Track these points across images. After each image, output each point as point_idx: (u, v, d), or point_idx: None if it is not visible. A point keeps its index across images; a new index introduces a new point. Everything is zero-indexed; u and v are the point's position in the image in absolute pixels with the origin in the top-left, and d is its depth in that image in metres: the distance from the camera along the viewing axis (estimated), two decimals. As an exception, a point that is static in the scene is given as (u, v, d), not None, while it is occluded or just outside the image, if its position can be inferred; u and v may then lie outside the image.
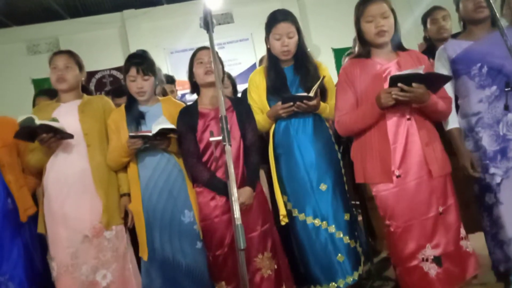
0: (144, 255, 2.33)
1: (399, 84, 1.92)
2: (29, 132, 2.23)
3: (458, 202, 2.11)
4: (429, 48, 2.88)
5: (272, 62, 2.45)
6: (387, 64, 2.12)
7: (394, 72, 2.07)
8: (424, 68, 2.01)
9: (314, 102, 2.26)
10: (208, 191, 2.30)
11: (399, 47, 2.19)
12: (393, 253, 2.14)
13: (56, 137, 2.26)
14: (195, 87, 2.47)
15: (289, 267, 2.45)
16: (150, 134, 2.20)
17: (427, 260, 2.01)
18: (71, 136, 2.30)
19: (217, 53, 2.43)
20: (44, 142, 2.26)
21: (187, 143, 2.32)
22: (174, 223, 2.32)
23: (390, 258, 2.65)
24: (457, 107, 2.29)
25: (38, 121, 2.19)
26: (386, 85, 2.05)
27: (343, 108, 2.18)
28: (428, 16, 2.91)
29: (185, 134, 2.33)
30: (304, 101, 2.24)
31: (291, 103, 2.28)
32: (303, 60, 2.40)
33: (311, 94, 2.23)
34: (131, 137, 2.25)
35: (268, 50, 2.46)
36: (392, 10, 2.11)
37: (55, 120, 2.26)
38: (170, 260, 2.30)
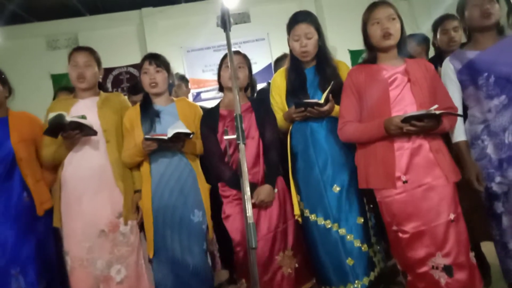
0: (151, 252, 2.35)
1: (412, 122, 1.93)
2: (57, 128, 2.27)
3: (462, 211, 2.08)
4: (438, 55, 2.85)
5: (293, 64, 2.46)
6: (393, 70, 2.10)
7: (401, 79, 2.08)
8: (431, 77, 2.02)
9: (325, 107, 2.24)
10: (231, 189, 2.36)
11: (406, 54, 2.17)
12: (401, 260, 2.11)
13: (81, 133, 2.30)
14: (222, 88, 2.54)
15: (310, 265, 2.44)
16: (165, 137, 2.23)
17: (437, 268, 1.98)
18: (95, 133, 2.34)
19: (246, 56, 2.52)
20: (69, 138, 2.31)
21: (209, 144, 2.41)
22: (184, 221, 2.35)
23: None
24: (465, 117, 2.25)
25: (68, 118, 2.23)
26: (391, 92, 2.06)
27: (346, 115, 2.17)
28: (439, 25, 2.84)
29: (207, 136, 2.41)
30: (315, 107, 2.24)
31: (303, 108, 2.27)
32: (323, 61, 2.40)
33: (322, 100, 2.21)
34: (146, 139, 2.28)
35: (290, 51, 2.47)
36: (399, 17, 2.11)
37: (83, 117, 2.30)
38: (178, 259, 2.32)
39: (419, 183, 2.00)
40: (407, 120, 1.93)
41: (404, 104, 2.05)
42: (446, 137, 2.20)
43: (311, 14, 2.43)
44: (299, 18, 2.39)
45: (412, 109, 2.02)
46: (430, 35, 3.02)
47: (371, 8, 2.14)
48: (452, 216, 1.99)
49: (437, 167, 2.01)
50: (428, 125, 1.95)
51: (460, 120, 2.19)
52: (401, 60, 2.15)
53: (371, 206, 2.41)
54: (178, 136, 2.25)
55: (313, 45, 2.37)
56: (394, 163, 2.02)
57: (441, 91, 2.13)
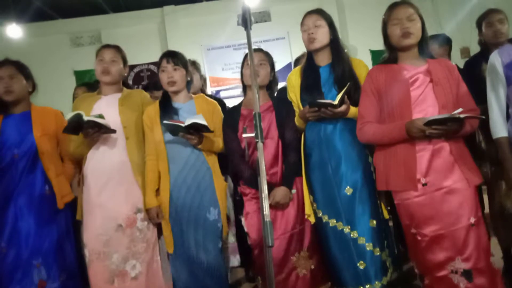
0: (170, 248, 2.38)
1: (434, 127, 1.90)
2: (76, 126, 2.32)
3: (492, 215, 2.04)
4: (483, 52, 2.76)
5: (308, 61, 2.45)
6: (415, 70, 2.06)
7: (423, 79, 2.04)
8: (453, 77, 1.98)
9: (340, 109, 2.21)
10: (250, 187, 2.38)
11: (428, 55, 2.13)
12: (419, 263, 2.07)
13: (100, 132, 2.35)
14: (245, 88, 2.54)
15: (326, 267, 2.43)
16: (182, 124, 2.24)
17: (456, 272, 1.94)
18: (113, 131, 2.38)
19: (268, 54, 2.51)
20: (88, 136, 2.36)
21: (230, 142, 2.42)
22: (200, 219, 2.36)
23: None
24: (507, 115, 2.17)
25: (85, 117, 2.27)
26: (413, 92, 2.02)
27: (365, 116, 2.14)
28: (484, 19, 2.75)
29: (228, 134, 2.42)
30: (329, 108, 2.21)
31: (316, 108, 2.25)
32: (338, 58, 2.37)
33: (336, 102, 2.18)
34: (165, 124, 2.32)
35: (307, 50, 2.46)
36: (420, 17, 2.08)
37: (101, 116, 2.34)
38: (193, 256, 2.34)
39: (438, 186, 1.97)
40: (430, 123, 1.90)
41: (426, 105, 2.02)
42: (467, 140, 2.15)
43: (322, 10, 2.42)
44: (309, 11, 2.40)
45: (434, 110, 1.99)
46: (453, 35, 2.97)
47: (391, 8, 2.11)
48: (472, 220, 1.95)
49: (458, 170, 1.98)
50: (451, 129, 1.92)
51: (501, 115, 2.12)
52: (422, 60, 2.11)
53: (389, 208, 2.38)
54: (196, 128, 2.26)
55: (321, 33, 2.34)
56: (415, 165, 1.99)
57: (463, 92, 2.08)
